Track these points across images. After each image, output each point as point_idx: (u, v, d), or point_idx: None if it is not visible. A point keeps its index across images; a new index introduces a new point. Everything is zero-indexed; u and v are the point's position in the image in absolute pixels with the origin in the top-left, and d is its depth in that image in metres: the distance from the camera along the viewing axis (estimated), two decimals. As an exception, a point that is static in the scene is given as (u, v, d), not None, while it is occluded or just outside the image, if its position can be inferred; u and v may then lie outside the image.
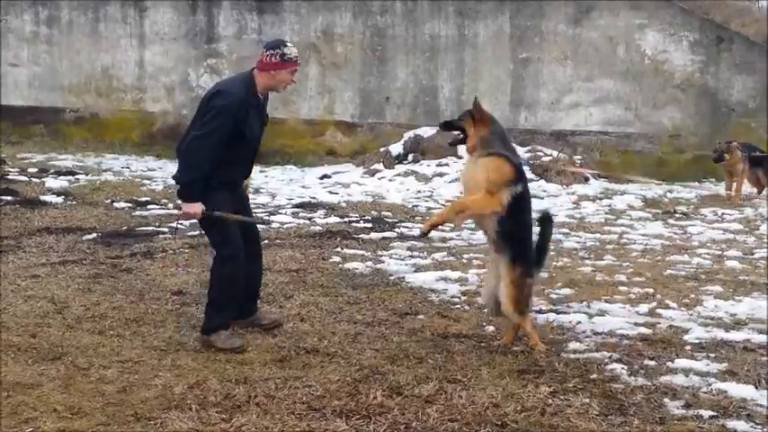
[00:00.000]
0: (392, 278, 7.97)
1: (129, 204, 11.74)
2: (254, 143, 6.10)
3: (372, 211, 11.60)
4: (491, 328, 6.41)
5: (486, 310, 6.44)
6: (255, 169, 6.95)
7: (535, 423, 4.67)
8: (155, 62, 17.68)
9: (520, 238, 5.84)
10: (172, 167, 15.15)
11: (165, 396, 5.02)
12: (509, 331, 6.08)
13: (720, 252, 9.37)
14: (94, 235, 9.66)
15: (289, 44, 6.02)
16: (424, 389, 5.13)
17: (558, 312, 6.85)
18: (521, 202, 5.76)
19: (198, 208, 5.88)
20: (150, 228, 10.20)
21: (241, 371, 5.46)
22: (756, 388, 5.21)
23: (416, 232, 6.26)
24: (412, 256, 8.82)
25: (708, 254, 9.25)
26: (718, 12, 16.14)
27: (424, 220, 5.91)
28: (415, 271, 8.22)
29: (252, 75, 5.99)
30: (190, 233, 9.87)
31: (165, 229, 10.06)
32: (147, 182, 13.68)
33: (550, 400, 4.98)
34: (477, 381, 5.31)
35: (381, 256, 8.82)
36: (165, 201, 12.09)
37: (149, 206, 11.66)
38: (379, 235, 9.89)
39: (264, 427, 4.58)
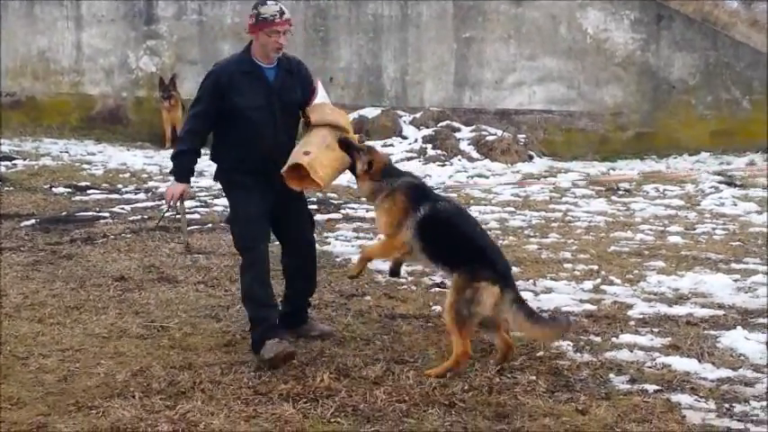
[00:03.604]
0: (338, 260, 7.93)
1: (69, 189, 11.50)
2: (260, 116, 5.44)
3: (317, 193, 11.52)
4: (438, 308, 6.40)
5: None
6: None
7: (482, 402, 4.68)
8: (92, 44, 17.31)
9: (451, 248, 5.24)
10: (112, 151, 15.10)
11: (108, 384, 4.94)
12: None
13: (663, 228, 9.48)
14: (33, 221, 9.44)
15: (269, 2, 5.42)
16: (372, 370, 5.11)
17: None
18: (432, 219, 5.26)
19: (176, 189, 5.58)
20: (90, 213, 10.00)
21: (185, 357, 5.39)
22: (699, 361, 5.29)
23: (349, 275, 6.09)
24: (358, 238, 8.79)
25: (650, 230, 9.35)
26: (658, -10, 16.26)
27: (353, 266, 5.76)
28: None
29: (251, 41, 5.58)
30: (131, 218, 9.71)
31: (106, 214, 9.88)
32: (87, 166, 13.41)
33: (497, 379, 4.99)
34: (425, 361, 5.30)
35: (327, 237, 8.77)
36: (106, 185, 11.88)
37: (89, 191, 11.44)
38: (325, 216, 9.83)
39: (210, 413, 4.52)
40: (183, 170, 5.60)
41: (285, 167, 5.39)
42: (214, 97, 5.47)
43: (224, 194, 5.97)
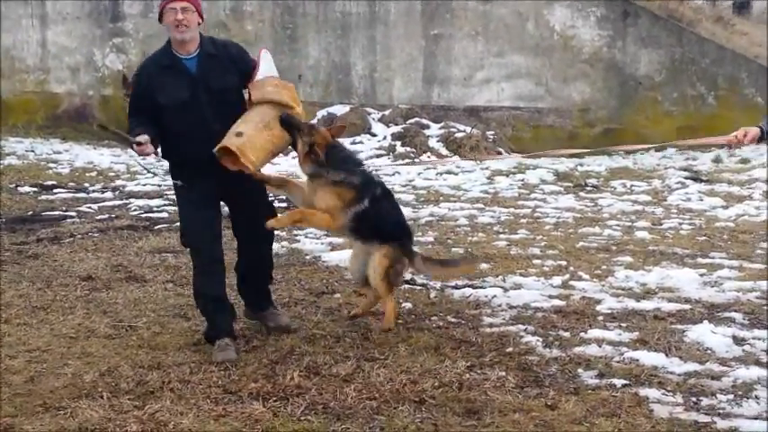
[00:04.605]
0: (308, 257, 7.92)
1: (35, 189, 11.40)
2: (187, 111, 5.29)
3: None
4: (408, 305, 6.40)
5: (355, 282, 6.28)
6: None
7: (452, 398, 4.69)
8: (58, 42, 17.18)
9: (381, 227, 5.71)
10: (78, 150, 14.95)
11: (75, 384, 4.89)
12: (367, 303, 6.07)
13: (630, 223, 9.55)
14: (-2, 221, 9.35)
15: None
16: (342, 368, 5.10)
17: (473, 287, 6.89)
18: (369, 210, 5.59)
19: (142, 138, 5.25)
20: (57, 212, 9.91)
21: (154, 356, 5.35)
22: (667, 356, 5.32)
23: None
24: (327, 235, 8.76)
25: (618, 225, 9.42)
26: (624, -13, 16.38)
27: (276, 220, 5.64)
28: (330, 250, 8.18)
29: None
30: (98, 217, 9.63)
31: (73, 213, 9.79)
32: (53, 165, 13.30)
33: (467, 375, 5.00)
34: (395, 358, 5.30)
35: (297, 235, 8.75)
36: (72, 184, 11.78)
37: (55, 190, 11.34)
38: (294, 214, 9.80)
39: (179, 413, 4.49)
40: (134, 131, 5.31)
41: (216, 147, 5.22)
42: (141, 97, 5.36)
43: None
